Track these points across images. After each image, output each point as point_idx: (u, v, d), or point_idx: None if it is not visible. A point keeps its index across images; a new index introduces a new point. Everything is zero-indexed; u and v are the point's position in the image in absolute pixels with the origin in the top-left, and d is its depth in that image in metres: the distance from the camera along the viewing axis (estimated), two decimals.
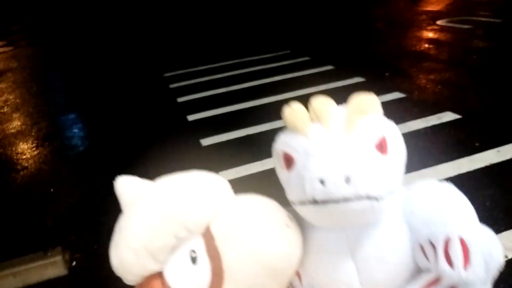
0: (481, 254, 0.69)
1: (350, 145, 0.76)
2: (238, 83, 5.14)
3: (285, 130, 0.87)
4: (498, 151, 2.84)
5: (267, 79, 5.17)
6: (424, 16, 8.08)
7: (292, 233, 0.79)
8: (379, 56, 5.75)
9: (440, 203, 0.80)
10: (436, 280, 0.76)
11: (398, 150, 0.82)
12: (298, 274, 0.90)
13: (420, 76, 4.72)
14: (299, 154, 0.80)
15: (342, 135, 0.78)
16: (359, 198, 0.72)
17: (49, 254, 2.20)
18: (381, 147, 0.78)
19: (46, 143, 4.12)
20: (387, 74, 4.90)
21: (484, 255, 0.69)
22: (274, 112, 4.06)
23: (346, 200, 0.72)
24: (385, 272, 0.81)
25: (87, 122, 4.70)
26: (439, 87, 4.32)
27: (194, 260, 0.74)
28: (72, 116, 4.90)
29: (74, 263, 2.27)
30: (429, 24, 7.31)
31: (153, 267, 0.75)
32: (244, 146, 3.46)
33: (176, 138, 3.85)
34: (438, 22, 7.29)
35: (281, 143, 0.86)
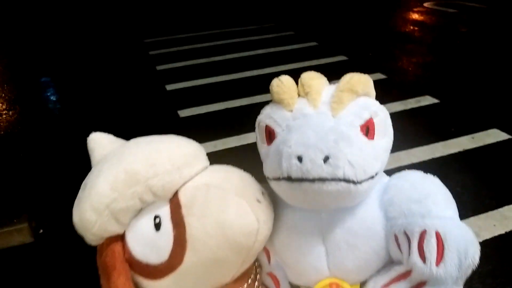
0: (456, 251, 0.67)
1: (334, 124, 0.73)
2: (220, 54, 5.02)
3: (271, 103, 0.84)
4: (472, 138, 2.88)
5: (250, 51, 5.07)
6: None
7: (262, 209, 0.76)
8: (364, 35, 5.70)
9: (421, 194, 0.77)
10: (407, 273, 0.74)
11: (385, 136, 0.79)
12: (267, 252, 0.88)
13: (403, 58, 4.71)
14: (281, 128, 0.77)
15: (327, 114, 0.75)
16: (335, 179, 0.68)
17: (15, 221, 2.14)
18: (367, 130, 0.75)
19: (17, 107, 3.96)
20: (370, 54, 4.88)
21: (459, 253, 0.66)
22: (255, 86, 4.00)
23: (321, 180, 0.69)
24: (355, 259, 0.79)
25: (60, 86, 4.52)
26: (420, 70, 4.33)
27: (157, 226, 0.71)
28: (44, 79, 4.70)
29: (41, 230, 2.22)
30: (416, 6, 7.27)
31: (114, 229, 0.72)
32: (223, 119, 3.41)
33: (153, 108, 3.75)
34: (425, 4, 7.25)
35: (265, 116, 0.82)
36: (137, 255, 0.72)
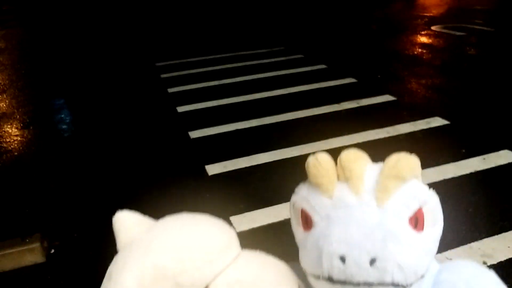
0: None
1: (381, 219, 0.67)
2: (230, 77, 5.10)
3: (306, 183, 0.77)
4: (484, 159, 2.86)
5: (260, 74, 5.14)
6: (419, 21, 8.12)
7: None
8: (372, 58, 5.76)
9: None
10: None
11: (435, 226, 0.72)
12: None
13: (412, 80, 4.74)
14: (320, 217, 0.72)
15: (372, 204, 0.69)
16: (383, 284, 0.63)
17: (27, 240, 2.15)
18: (416, 221, 0.69)
19: (31, 127, 4.04)
20: (379, 76, 4.92)
21: None
22: (264, 108, 4.05)
23: (368, 285, 0.63)
24: None
25: (74, 108, 4.62)
26: (430, 92, 4.34)
27: None
28: (59, 101, 4.81)
29: (52, 250, 2.23)
30: (424, 29, 7.35)
31: None
32: (233, 140, 3.43)
33: (165, 129, 3.80)
34: (433, 28, 7.33)
35: (301, 199, 0.76)
36: None
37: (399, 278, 0.63)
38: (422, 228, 0.69)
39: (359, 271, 0.63)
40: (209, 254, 0.69)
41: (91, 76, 5.70)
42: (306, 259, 0.72)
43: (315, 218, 0.72)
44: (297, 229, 0.78)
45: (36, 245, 2.14)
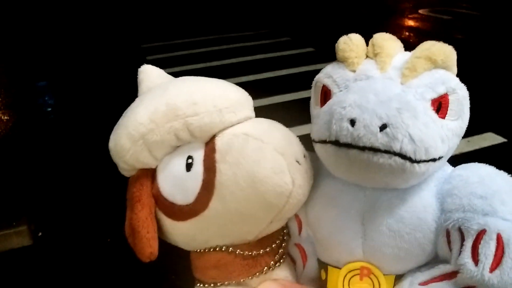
0: None
1: (401, 92, 0.63)
2: (217, 59, 5.06)
3: (333, 62, 0.74)
4: (468, 141, 2.92)
5: (247, 57, 5.11)
6: (407, 4, 8.11)
7: (300, 172, 0.69)
8: None
9: (488, 190, 0.65)
10: (452, 274, 0.66)
11: (458, 119, 0.67)
12: (298, 222, 0.80)
13: None
14: (339, 88, 0.68)
15: (396, 80, 0.65)
16: (390, 152, 0.59)
17: (14, 223, 2.14)
18: (439, 106, 0.64)
19: (13, 111, 3.96)
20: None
21: None
22: (252, 91, 3.99)
23: (373, 149, 0.59)
24: (395, 247, 0.69)
25: (56, 90, 4.53)
26: None
27: (188, 166, 0.68)
28: (40, 83, 4.70)
29: (40, 233, 2.22)
30: (411, 12, 7.36)
31: (146, 161, 0.69)
32: None
33: None
34: (420, 11, 7.35)
35: (324, 75, 0.72)
36: (164, 192, 0.70)
37: (407, 148, 0.58)
38: (444, 116, 0.65)
39: (367, 134, 0.59)
40: (221, 103, 0.69)
41: (75, 59, 5.58)
42: (316, 127, 0.69)
43: (334, 90, 0.69)
44: (314, 108, 0.74)
45: (23, 228, 2.13)
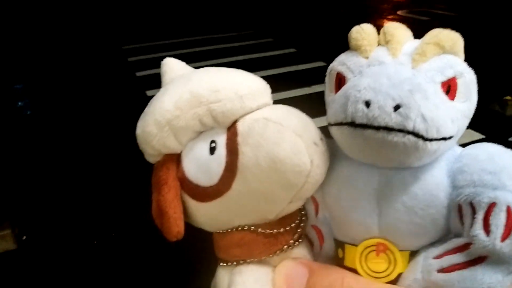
0: None
1: (412, 75, 0.65)
2: (200, 61, 5.06)
3: (347, 51, 0.74)
4: None
5: (230, 58, 5.14)
6: (386, 5, 8.28)
7: (317, 153, 0.71)
8: (341, 42, 5.83)
9: (497, 166, 0.66)
10: (465, 246, 0.67)
11: (466, 101, 0.69)
12: (315, 204, 0.80)
13: None
14: (353, 74, 0.70)
15: (407, 65, 0.68)
16: (403, 131, 0.61)
17: None
18: (448, 89, 0.66)
19: None
20: None
21: None
22: None
23: (387, 129, 0.61)
24: (410, 223, 0.71)
25: (36, 94, 4.47)
26: None
27: (212, 150, 0.70)
28: (17, 86, 4.63)
29: (24, 237, 2.20)
30: (390, 13, 7.52)
31: (172, 146, 0.71)
32: None
33: (135, 114, 3.74)
34: (399, 12, 7.51)
35: (338, 63, 0.73)
36: (189, 175, 0.72)
37: (420, 127, 0.61)
38: (453, 98, 0.66)
39: (381, 114, 0.61)
40: (242, 90, 0.70)
41: (54, 61, 5.50)
42: (331, 111, 0.70)
43: (348, 76, 0.70)
44: (329, 95, 0.75)
45: (7, 232, 2.11)
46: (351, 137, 0.65)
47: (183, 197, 0.73)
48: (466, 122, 0.67)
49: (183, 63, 0.88)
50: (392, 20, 6.97)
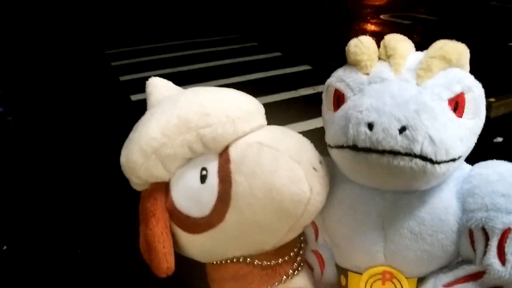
0: None
1: (417, 93, 0.62)
2: (185, 65, 5.03)
3: (344, 66, 0.73)
4: None
5: (215, 62, 5.11)
6: (369, 10, 8.38)
7: (317, 178, 0.68)
8: (326, 45, 5.89)
9: (510, 187, 0.64)
10: (477, 275, 0.65)
11: (475, 118, 0.66)
12: (315, 228, 0.79)
13: None
14: (353, 92, 0.67)
15: (411, 81, 0.64)
16: (410, 154, 0.58)
17: None
18: (456, 106, 0.63)
19: None
20: (333, 63, 5.02)
21: None
22: None
23: (393, 153, 0.58)
24: (418, 250, 0.68)
25: (17, 99, 4.37)
26: None
27: (203, 178, 0.68)
28: None
29: (4, 247, 2.14)
30: (373, 18, 7.60)
31: (160, 175, 0.69)
32: None
33: (119, 119, 3.70)
34: (382, 16, 7.61)
35: (335, 79, 0.71)
36: (178, 206, 0.70)
37: (428, 150, 0.58)
38: (461, 115, 0.64)
39: (386, 137, 0.58)
40: (233, 113, 0.69)
41: (37, 66, 5.40)
42: (331, 132, 0.67)
43: (348, 94, 0.67)
44: (327, 113, 0.73)
45: None
46: (353, 162, 0.63)
47: (173, 229, 0.71)
48: (475, 139, 0.68)
49: (170, 83, 0.83)
50: (375, 24, 7.05)
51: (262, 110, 0.77)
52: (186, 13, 8.35)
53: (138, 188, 0.75)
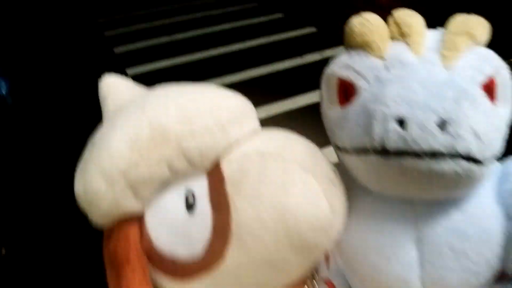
0: None
1: (451, 77, 0.53)
2: (182, 31, 4.74)
3: (346, 52, 0.62)
4: None
5: (213, 27, 4.81)
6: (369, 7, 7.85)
7: (337, 194, 0.55)
8: (330, 5, 5.53)
9: None
10: None
11: (505, 104, 0.58)
12: (326, 254, 0.68)
13: None
14: (368, 81, 0.56)
15: (437, 63, 0.55)
16: (454, 155, 0.49)
17: None
18: (489, 90, 0.56)
19: None
20: (339, 23, 4.73)
21: None
22: (224, 66, 3.79)
23: (434, 155, 0.48)
24: (462, 271, 0.57)
25: (10, 77, 4.14)
26: None
27: (190, 207, 0.52)
28: None
29: (3, 251, 2.05)
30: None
31: (131, 206, 0.52)
32: None
33: None
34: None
35: (339, 67, 0.60)
36: (159, 245, 0.53)
37: (475, 149, 0.49)
38: (494, 100, 0.56)
39: (424, 135, 0.48)
40: (222, 116, 0.54)
41: (24, 41, 5.11)
42: (346, 133, 0.56)
43: (361, 84, 0.57)
44: (331, 108, 0.61)
45: None
46: (381, 168, 0.51)
47: (153, 276, 0.53)
48: (506, 129, 0.58)
49: (130, 82, 0.66)
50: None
51: (252, 108, 0.62)
52: None
53: (101, 225, 0.55)
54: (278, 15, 5.09)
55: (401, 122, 0.49)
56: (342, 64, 0.60)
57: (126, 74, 3.80)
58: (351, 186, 0.60)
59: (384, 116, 0.50)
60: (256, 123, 0.61)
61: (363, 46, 0.58)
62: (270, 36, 4.36)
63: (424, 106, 0.49)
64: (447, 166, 0.49)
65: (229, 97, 0.59)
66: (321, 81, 0.65)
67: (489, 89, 0.55)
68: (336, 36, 4.60)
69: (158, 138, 0.51)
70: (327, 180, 0.54)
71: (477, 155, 0.49)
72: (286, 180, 0.51)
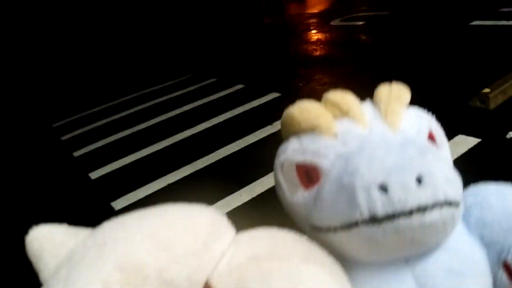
0: None
1: (405, 138, 0.61)
2: (143, 121, 4.52)
3: (291, 139, 0.67)
4: None
5: (175, 110, 4.63)
6: (316, 19, 8.19)
7: (340, 274, 0.56)
8: (287, 66, 5.56)
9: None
10: None
11: (443, 147, 0.68)
12: None
13: (338, 82, 4.56)
14: (329, 160, 0.61)
15: (386, 131, 0.62)
16: (437, 204, 0.53)
17: None
18: (432, 140, 0.66)
19: None
20: (300, 84, 4.70)
21: None
22: (191, 150, 3.55)
23: (422, 209, 0.52)
24: None
25: None
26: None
27: None
28: None
29: None
30: (324, 26, 7.38)
31: None
32: (159, 200, 2.90)
33: (81, 200, 3.18)
34: (332, 23, 7.39)
35: (293, 153, 0.65)
36: None
37: (450, 192, 0.54)
38: (437, 147, 0.66)
39: (408, 194, 0.52)
40: (199, 233, 0.51)
41: None
42: (325, 214, 0.59)
43: (323, 163, 0.61)
44: (294, 193, 0.65)
45: None
46: (374, 237, 0.53)
47: None
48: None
49: (64, 226, 0.58)
50: (329, 32, 6.82)
51: (224, 217, 0.60)
52: (132, 64, 7.84)
53: None
54: (239, 86, 5.01)
55: (384, 188, 0.52)
56: (295, 150, 0.64)
57: (89, 179, 3.47)
58: (341, 262, 0.60)
59: (365, 187, 0.52)
60: (232, 230, 0.58)
61: (311, 130, 0.62)
62: (236, 109, 4.22)
63: (398, 168, 0.52)
64: (435, 216, 0.52)
65: (204, 211, 0.57)
66: (274, 172, 0.68)
67: (432, 138, 0.64)
68: (299, 98, 4.52)
69: (133, 278, 0.45)
70: (328, 263, 0.54)
71: (455, 197, 0.54)
72: (293, 279, 0.49)
